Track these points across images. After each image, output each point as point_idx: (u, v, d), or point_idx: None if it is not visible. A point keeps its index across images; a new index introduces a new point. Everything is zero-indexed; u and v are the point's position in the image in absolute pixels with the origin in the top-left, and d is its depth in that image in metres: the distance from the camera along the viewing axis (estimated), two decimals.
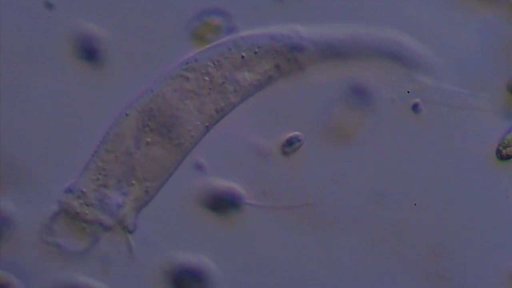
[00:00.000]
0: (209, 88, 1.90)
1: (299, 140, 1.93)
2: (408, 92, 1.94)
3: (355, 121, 1.94)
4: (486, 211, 1.96)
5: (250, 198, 1.93)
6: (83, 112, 1.93)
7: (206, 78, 1.90)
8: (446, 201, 1.96)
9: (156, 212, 1.94)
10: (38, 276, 1.93)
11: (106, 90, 1.93)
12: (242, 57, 1.91)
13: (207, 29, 1.93)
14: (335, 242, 1.95)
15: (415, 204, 1.96)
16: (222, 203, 1.93)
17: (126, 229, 1.90)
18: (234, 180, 1.94)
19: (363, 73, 1.94)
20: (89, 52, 1.93)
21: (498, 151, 1.95)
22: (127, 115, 1.90)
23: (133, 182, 1.90)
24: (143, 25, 1.93)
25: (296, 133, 1.93)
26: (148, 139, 1.89)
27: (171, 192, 1.94)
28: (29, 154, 1.93)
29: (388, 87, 1.94)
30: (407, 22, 1.93)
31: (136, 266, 1.94)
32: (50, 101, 1.93)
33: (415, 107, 1.94)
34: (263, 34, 1.92)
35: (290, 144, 1.93)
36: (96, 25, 1.93)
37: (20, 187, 1.92)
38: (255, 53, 1.91)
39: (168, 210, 1.94)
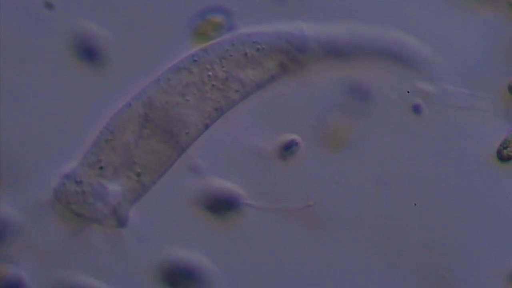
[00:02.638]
0: (213, 85, 1.90)
1: (296, 144, 1.93)
2: (408, 92, 1.94)
3: (351, 127, 1.94)
4: (486, 211, 1.96)
5: (249, 199, 1.93)
6: (83, 111, 1.93)
7: (210, 73, 1.90)
8: (446, 201, 1.96)
9: (155, 213, 1.94)
10: (37, 275, 1.94)
11: (106, 89, 1.93)
12: (245, 54, 1.91)
13: (209, 27, 1.93)
14: (334, 243, 1.95)
15: (415, 204, 1.96)
16: (221, 205, 1.93)
17: (119, 220, 1.90)
18: (233, 182, 1.94)
19: (365, 73, 1.94)
20: (89, 51, 1.93)
21: (499, 152, 1.95)
22: (130, 105, 1.90)
23: (130, 173, 1.90)
24: (144, 24, 1.93)
25: (293, 136, 1.93)
26: (148, 131, 1.89)
27: (170, 193, 1.94)
28: (29, 153, 1.93)
29: (389, 88, 1.94)
30: (408, 23, 1.93)
31: (135, 265, 1.94)
32: (50, 101, 1.93)
33: (416, 108, 1.94)
34: (266, 32, 1.92)
35: (287, 148, 1.93)
36: (96, 24, 1.93)
37: (20, 187, 1.92)
38: (258, 50, 1.91)
39: (167, 211, 1.94)
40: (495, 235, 1.96)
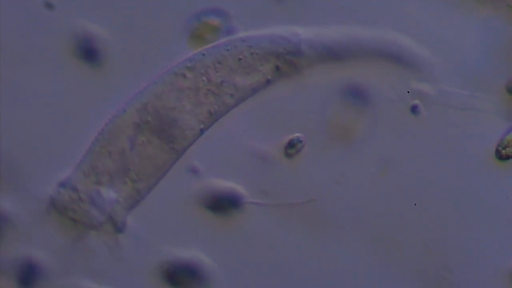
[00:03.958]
0: (208, 89, 1.90)
1: (301, 141, 1.93)
2: (408, 92, 1.94)
3: (354, 120, 1.94)
4: (486, 211, 1.96)
5: (250, 198, 1.93)
6: (83, 111, 1.93)
7: (204, 78, 1.90)
8: (446, 201, 1.96)
9: (155, 214, 1.94)
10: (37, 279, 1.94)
11: (105, 89, 1.93)
12: (240, 59, 1.91)
13: (206, 29, 1.93)
14: (334, 242, 1.95)
15: (415, 204, 1.96)
16: (223, 203, 1.93)
17: (116, 227, 1.90)
18: (233, 182, 1.94)
19: (362, 75, 1.95)
20: (89, 51, 1.93)
21: (498, 152, 1.95)
22: (124, 111, 1.90)
23: (126, 180, 1.89)
24: (143, 25, 1.93)
25: (297, 134, 1.94)
26: (143, 138, 1.89)
27: (170, 194, 1.93)
28: (28, 153, 1.93)
29: (387, 88, 1.94)
30: (406, 23, 1.94)
31: (136, 267, 1.94)
32: (50, 101, 1.93)
33: (414, 108, 1.95)
34: (262, 36, 1.92)
35: (292, 146, 1.93)
36: (95, 25, 1.93)
37: (20, 187, 1.92)
38: (252, 54, 1.91)
39: (167, 212, 1.94)
40: (495, 235, 1.96)
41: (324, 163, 1.95)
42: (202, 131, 1.91)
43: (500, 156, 1.95)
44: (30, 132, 1.93)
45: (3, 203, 1.92)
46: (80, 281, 1.93)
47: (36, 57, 1.92)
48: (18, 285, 1.93)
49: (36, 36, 1.92)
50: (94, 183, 1.89)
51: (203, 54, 1.91)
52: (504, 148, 1.95)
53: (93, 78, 1.93)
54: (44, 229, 1.91)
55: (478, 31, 1.95)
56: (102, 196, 1.89)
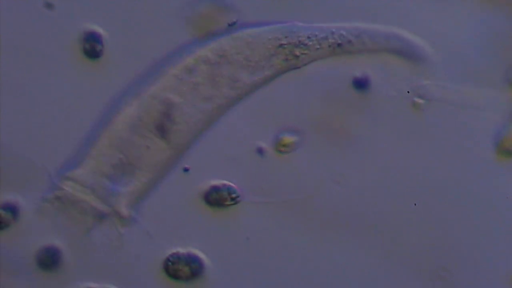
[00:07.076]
0: (211, 83, 1.90)
1: (294, 139, 1.93)
2: (408, 92, 1.94)
3: (353, 116, 1.94)
4: (486, 211, 1.95)
5: (249, 196, 1.93)
6: (85, 107, 1.94)
7: (207, 73, 1.91)
8: (446, 200, 1.96)
9: (155, 212, 1.94)
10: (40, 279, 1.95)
11: (107, 85, 1.93)
12: (244, 52, 1.91)
13: (208, 23, 1.93)
14: (334, 242, 1.95)
15: (415, 204, 1.95)
16: (221, 199, 1.93)
17: (121, 220, 1.90)
18: (232, 180, 1.94)
19: (364, 70, 1.95)
20: (89, 50, 1.94)
21: (499, 148, 1.94)
22: (128, 104, 1.91)
23: (131, 173, 1.90)
24: (143, 21, 1.94)
25: (290, 137, 1.94)
26: (146, 132, 1.90)
27: (170, 192, 1.94)
28: (30, 148, 1.94)
29: (388, 85, 1.94)
30: (406, 18, 1.94)
31: (138, 263, 1.94)
32: (52, 97, 1.94)
33: (415, 105, 1.94)
34: (264, 29, 1.93)
35: (284, 144, 1.93)
36: (96, 23, 1.94)
37: (25, 181, 1.93)
38: (255, 48, 1.91)
39: (165, 209, 1.94)
40: (495, 234, 1.95)
41: (324, 160, 1.95)
42: (205, 125, 1.92)
43: (502, 151, 1.94)
44: (33, 128, 1.94)
45: (7, 197, 1.93)
46: (82, 279, 1.94)
47: (36, 56, 1.93)
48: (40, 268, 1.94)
49: (36, 36, 1.93)
50: (99, 176, 1.90)
51: (209, 48, 1.91)
52: (505, 145, 1.94)
53: (94, 74, 1.94)
54: (48, 223, 1.92)
55: (477, 26, 1.94)
56: (108, 190, 1.90)
